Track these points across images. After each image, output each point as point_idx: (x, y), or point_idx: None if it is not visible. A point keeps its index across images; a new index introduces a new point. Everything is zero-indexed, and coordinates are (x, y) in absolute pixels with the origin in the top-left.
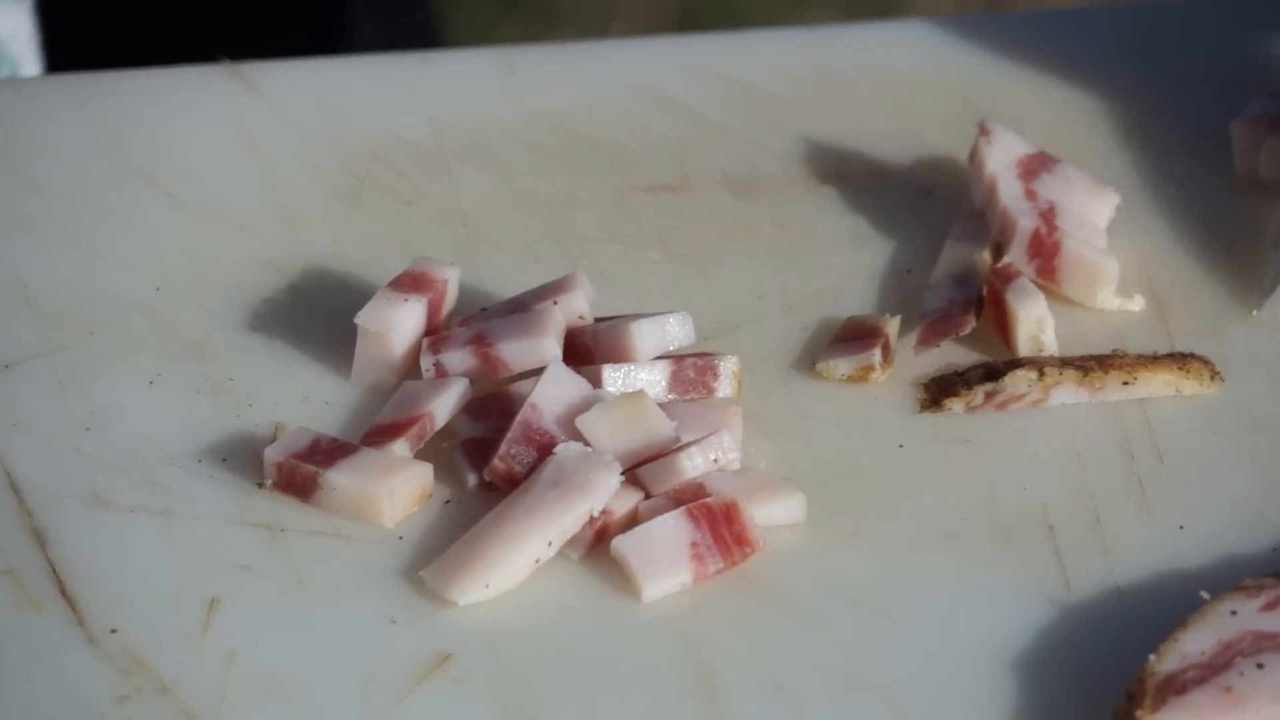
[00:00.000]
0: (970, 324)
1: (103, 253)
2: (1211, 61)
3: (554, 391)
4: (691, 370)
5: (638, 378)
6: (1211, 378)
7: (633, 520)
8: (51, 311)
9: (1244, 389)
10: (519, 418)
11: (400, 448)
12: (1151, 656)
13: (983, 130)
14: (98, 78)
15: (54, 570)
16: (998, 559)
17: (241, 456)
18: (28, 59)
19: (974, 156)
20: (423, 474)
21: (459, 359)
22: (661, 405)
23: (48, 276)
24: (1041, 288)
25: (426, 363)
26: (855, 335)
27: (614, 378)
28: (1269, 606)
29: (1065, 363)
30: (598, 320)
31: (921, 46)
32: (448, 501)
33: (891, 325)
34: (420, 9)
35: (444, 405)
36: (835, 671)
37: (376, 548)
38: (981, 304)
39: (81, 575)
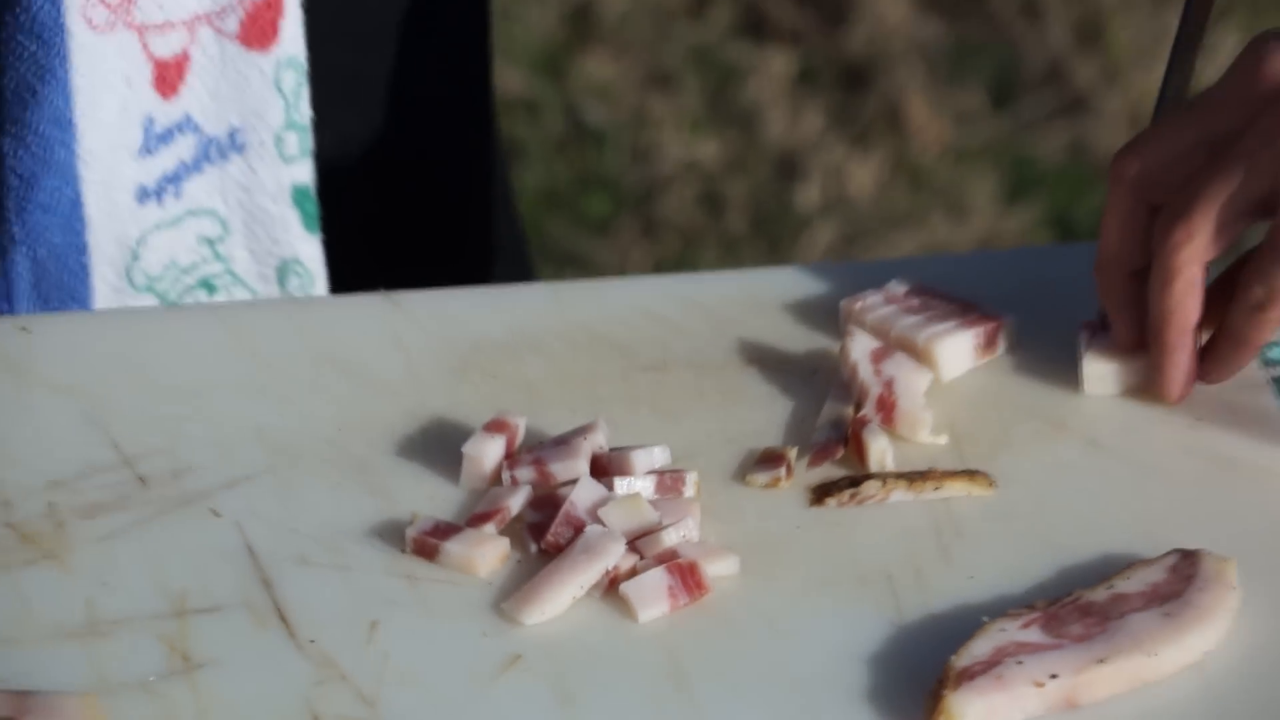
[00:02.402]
0: (840, 452)
1: (303, 406)
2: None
3: (584, 494)
4: (668, 480)
5: (635, 485)
6: (989, 485)
7: (633, 573)
8: (273, 442)
9: (1008, 493)
10: (562, 510)
11: (489, 528)
12: (952, 657)
13: (847, 334)
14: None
15: (275, 604)
16: (858, 597)
17: (392, 534)
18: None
19: (843, 350)
20: (503, 544)
21: (525, 474)
22: (650, 502)
23: (271, 422)
24: (885, 431)
25: (505, 476)
26: (769, 459)
27: (621, 485)
28: (1025, 626)
29: (899, 476)
30: (611, 450)
31: (813, 282)
32: (519, 561)
33: (791, 453)
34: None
35: (516, 502)
36: (755, 667)
37: (475, 590)
38: (848, 440)
39: (292, 607)
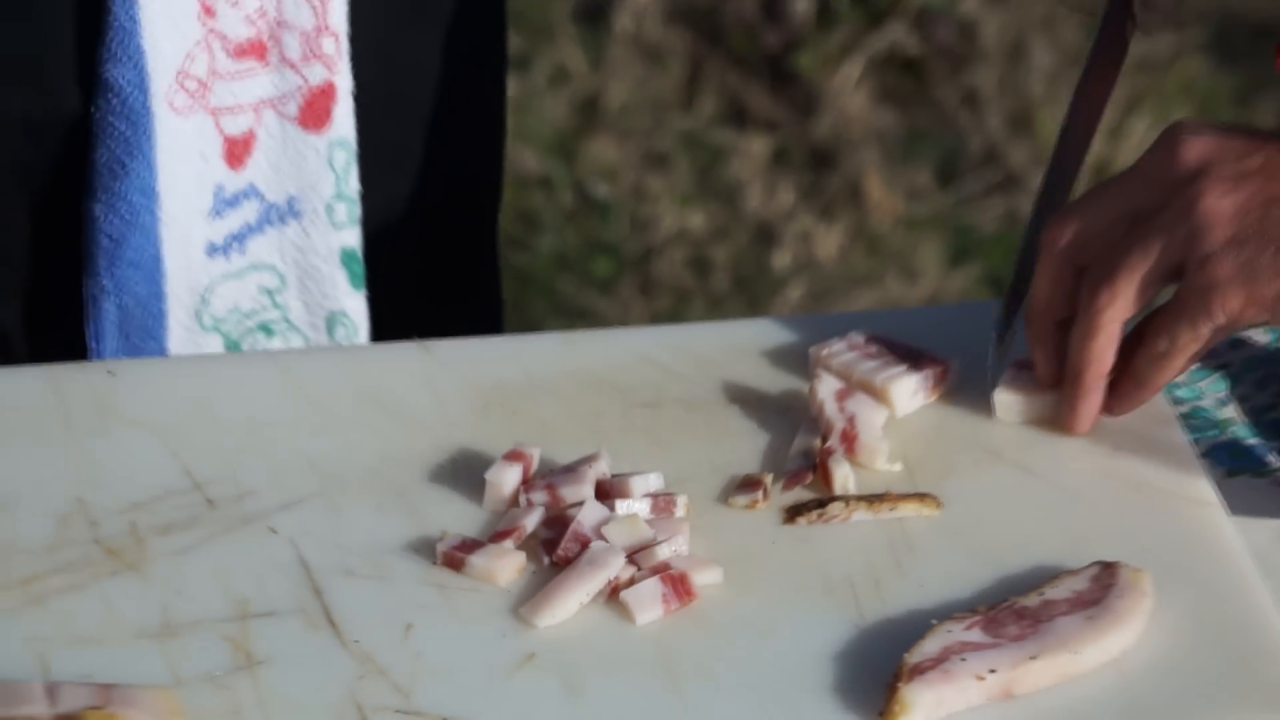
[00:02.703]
0: (809, 478)
1: (348, 439)
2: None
3: (589, 514)
4: (662, 502)
5: (633, 507)
6: (936, 505)
7: (631, 582)
8: (322, 470)
9: (953, 512)
10: (570, 528)
11: (508, 544)
12: (906, 655)
13: (815, 376)
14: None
15: (325, 609)
16: (825, 603)
17: (424, 549)
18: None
19: (811, 390)
20: (520, 557)
21: (539, 497)
22: (646, 521)
23: (321, 452)
24: (848, 459)
25: (522, 499)
26: (748, 484)
27: (621, 506)
28: (968, 627)
29: (860, 498)
30: (613, 476)
31: (786, 332)
32: (534, 572)
33: (768, 479)
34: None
35: (531, 521)
36: (736, 662)
37: (496, 596)
38: (816, 467)
39: (339, 612)
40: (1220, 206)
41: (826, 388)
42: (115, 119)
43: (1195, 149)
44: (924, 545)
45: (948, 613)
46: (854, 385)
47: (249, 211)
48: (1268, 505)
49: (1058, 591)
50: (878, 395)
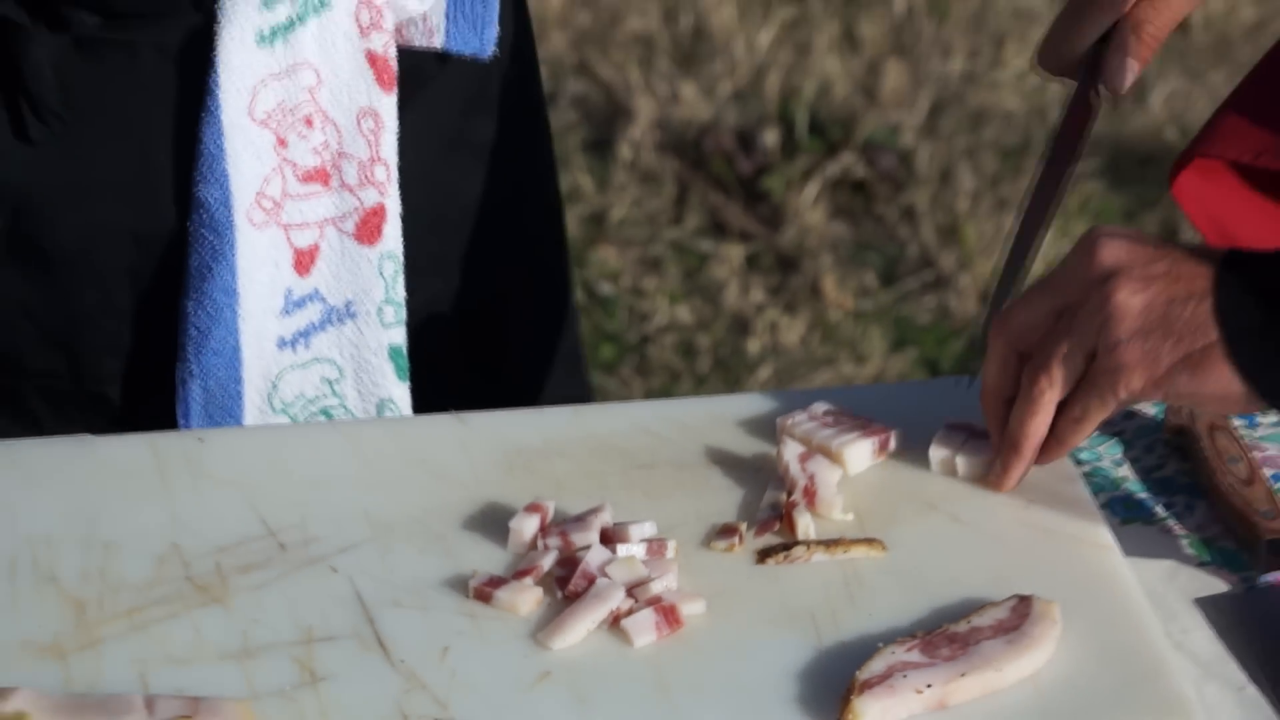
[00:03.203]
0: (777, 526)
1: (396, 494)
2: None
3: (596, 556)
4: (655, 546)
5: (632, 550)
6: (882, 549)
7: (630, 612)
8: (375, 519)
9: (896, 554)
10: (580, 568)
11: (528, 581)
12: (857, 672)
13: (782, 442)
14: (417, 419)
15: (376, 635)
16: (790, 630)
17: (458, 585)
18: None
19: (779, 453)
20: (538, 592)
21: (554, 541)
22: (642, 562)
23: (374, 505)
24: (809, 511)
25: (539, 544)
26: (727, 530)
27: (622, 549)
28: (909, 650)
29: (819, 543)
30: (614, 524)
31: (757, 406)
32: (550, 603)
33: (743, 526)
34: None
35: (547, 562)
36: (717, 679)
37: (518, 624)
38: (783, 517)
39: (388, 637)
40: (1130, 303)
41: (791, 451)
42: (205, 231)
43: (1110, 252)
44: (872, 582)
45: (892, 637)
46: (814, 449)
47: (313, 312)
48: (1156, 548)
49: (983, 620)
50: (833, 457)
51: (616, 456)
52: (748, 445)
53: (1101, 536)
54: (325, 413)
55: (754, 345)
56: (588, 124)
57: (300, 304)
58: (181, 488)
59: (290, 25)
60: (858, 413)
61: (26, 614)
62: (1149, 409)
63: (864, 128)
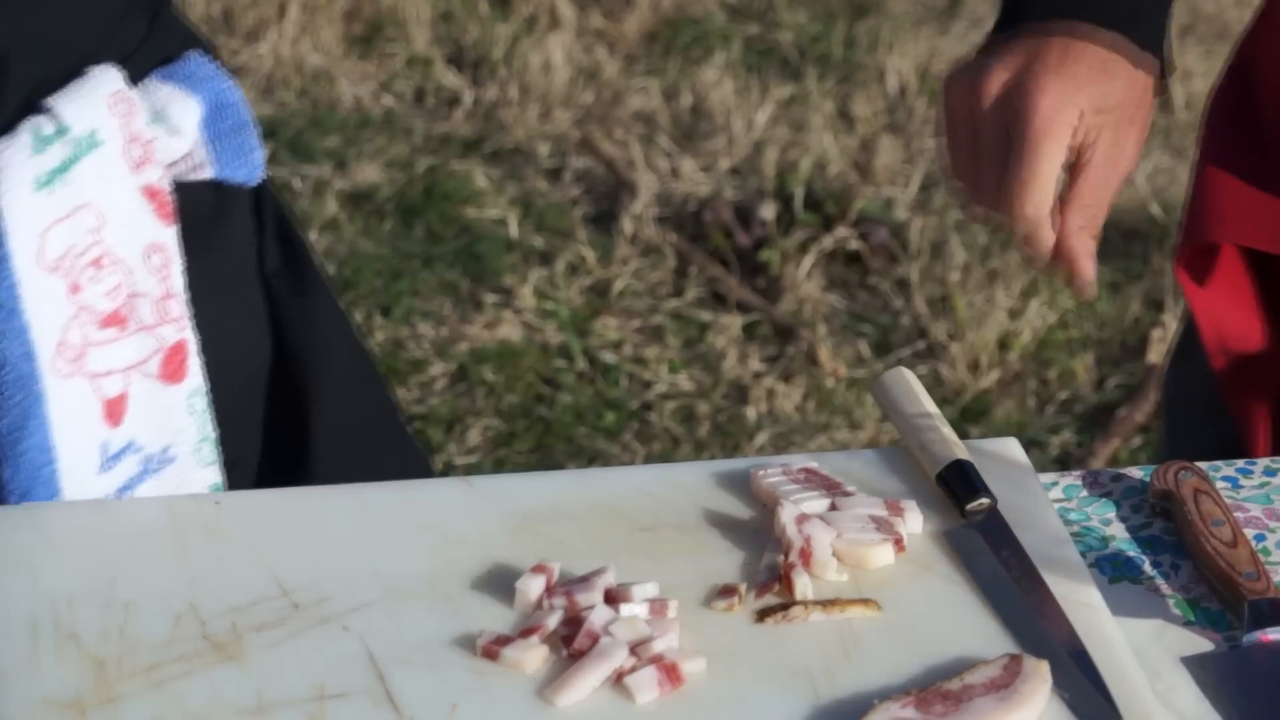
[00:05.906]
0: (776, 586)
1: (406, 555)
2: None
3: (599, 615)
4: (657, 606)
5: (634, 609)
6: (877, 609)
7: (633, 670)
8: (385, 580)
9: (891, 614)
10: (584, 626)
11: (534, 639)
12: None
13: (780, 507)
14: (431, 483)
15: (387, 692)
16: (788, 687)
17: (466, 643)
18: None
19: (776, 519)
20: (543, 650)
21: (559, 601)
22: (645, 621)
23: (384, 565)
24: (806, 572)
25: (545, 604)
26: (726, 591)
27: (626, 609)
28: (903, 706)
29: (816, 602)
30: (618, 585)
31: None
32: (555, 661)
33: (742, 587)
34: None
35: (552, 621)
36: None
37: (524, 682)
38: (781, 578)
39: (398, 694)
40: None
41: (788, 514)
42: (12, 389)
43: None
44: (867, 640)
45: (887, 694)
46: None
47: (131, 465)
48: (1144, 608)
49: (975, 677)
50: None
51: (619, 519)
52: (746, 508)
53: (1090, 596)
54: None
55: (752, 412)
56: (591, 198)
57: (117, 457)
58: (198, 549)
59: (65, 167)
60: (827, 474)
61: (48, 672)
62: (1135, 471)
63: (858, 202)
